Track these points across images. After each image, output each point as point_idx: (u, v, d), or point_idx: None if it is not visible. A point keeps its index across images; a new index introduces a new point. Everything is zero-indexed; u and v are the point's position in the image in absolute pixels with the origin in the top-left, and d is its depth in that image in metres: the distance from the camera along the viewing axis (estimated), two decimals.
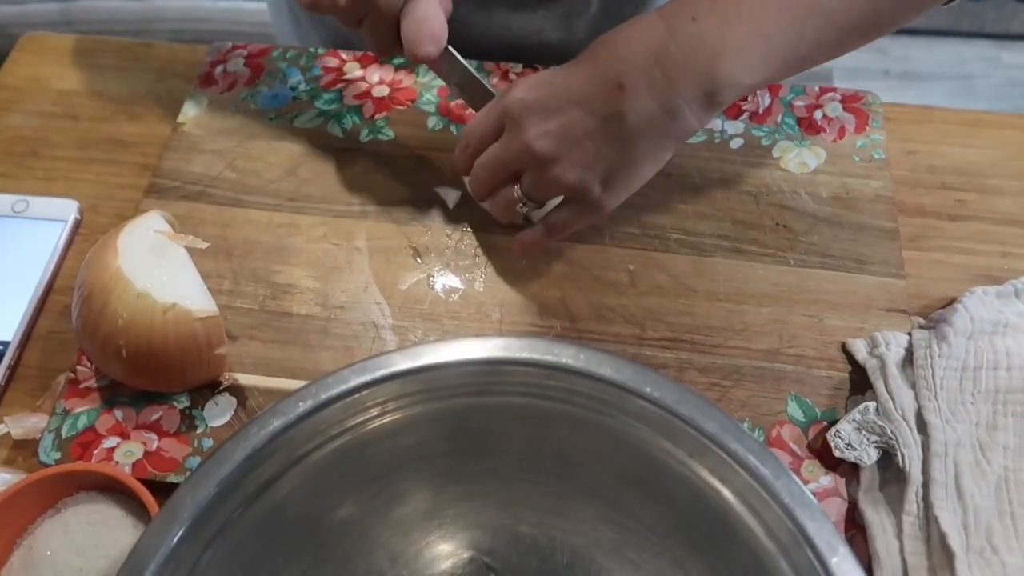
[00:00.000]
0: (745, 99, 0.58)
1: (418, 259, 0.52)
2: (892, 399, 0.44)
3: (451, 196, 0.54)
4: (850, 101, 0.58)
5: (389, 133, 0.57)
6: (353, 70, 0.60)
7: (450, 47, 0.48)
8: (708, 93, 0.41)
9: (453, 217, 0.54)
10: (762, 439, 0.45)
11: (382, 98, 0.59)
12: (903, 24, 0.44)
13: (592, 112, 0.42)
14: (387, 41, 0.47)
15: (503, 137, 0.45)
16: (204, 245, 0.46)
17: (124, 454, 0.45)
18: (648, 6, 0.63)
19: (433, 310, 0.50)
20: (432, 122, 0.58)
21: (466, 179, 0.50)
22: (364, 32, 0.47)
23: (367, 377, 0.34)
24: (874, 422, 0.43)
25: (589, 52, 0.44)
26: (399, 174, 0.55)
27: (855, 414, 0.44)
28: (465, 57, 0.49)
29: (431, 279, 0.51)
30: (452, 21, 0.47)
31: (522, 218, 0.50)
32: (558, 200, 0.49)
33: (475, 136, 0.47)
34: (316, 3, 0.45)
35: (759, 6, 0.41)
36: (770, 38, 0.41)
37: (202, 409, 0.47)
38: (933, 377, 0.44)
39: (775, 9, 0.41)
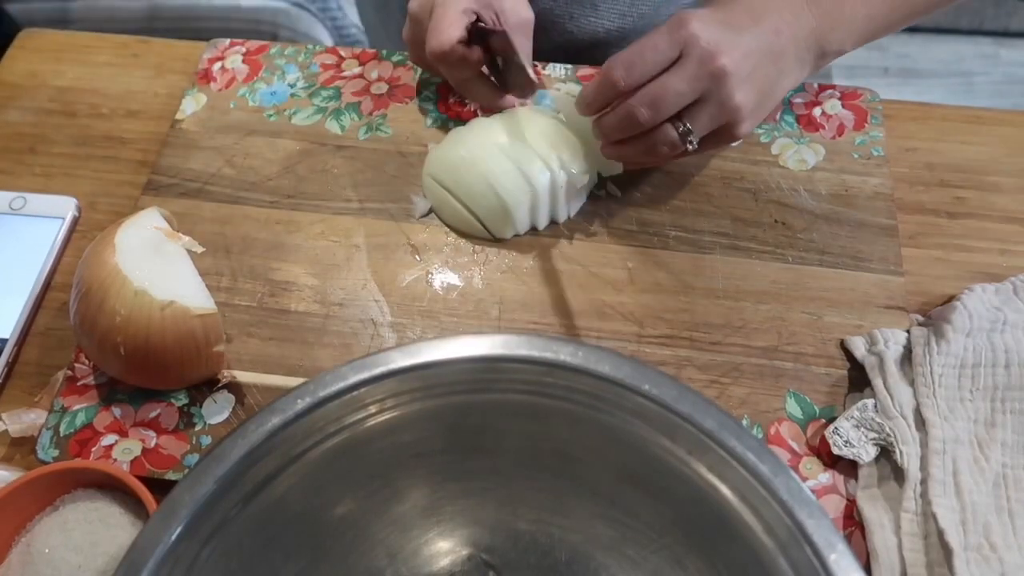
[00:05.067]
0: None
1: (416, 256, 0.52)
2: (891, 396, 0.44)
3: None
4: (849, 98, 0.58)
5: (387, 130, 0.57)
6: (351, 67, 0.60)
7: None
8: (819, 56, 0.49)
9: None
10: (761, 436, 0.45)
11: (380, 95, 0.59)
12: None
13: (761, 47, 0.47)
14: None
15: (684, 66, 0.45)
16: (200, 249, 0.46)
17: (122, 451, 0.45)
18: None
19: (431, 307, 0.50)
20: (430, 119, 0.58)
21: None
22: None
23: (365, 374, 0.34)
24: (873, 419, 0.43)
25: (746, 3, 0.49)
26: (398, 171, 0.55)
27: (854, 411, 0.44)
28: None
29: (429, 276, 0.51)
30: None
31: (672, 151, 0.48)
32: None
33: (648, 66, 0.46)
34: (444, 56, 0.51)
35: None
36: (874, 18, 0.50)
37: (200, 406, 0.47)
38: (932, 374, 0.44)
39: None
